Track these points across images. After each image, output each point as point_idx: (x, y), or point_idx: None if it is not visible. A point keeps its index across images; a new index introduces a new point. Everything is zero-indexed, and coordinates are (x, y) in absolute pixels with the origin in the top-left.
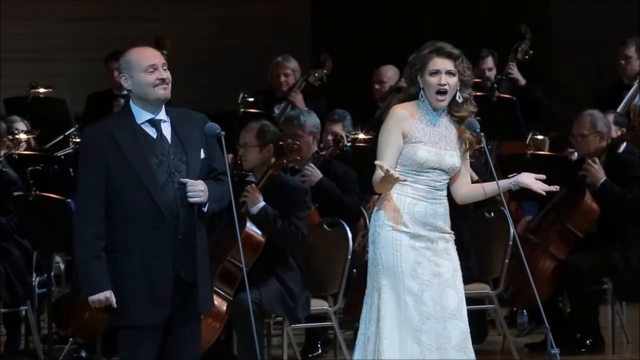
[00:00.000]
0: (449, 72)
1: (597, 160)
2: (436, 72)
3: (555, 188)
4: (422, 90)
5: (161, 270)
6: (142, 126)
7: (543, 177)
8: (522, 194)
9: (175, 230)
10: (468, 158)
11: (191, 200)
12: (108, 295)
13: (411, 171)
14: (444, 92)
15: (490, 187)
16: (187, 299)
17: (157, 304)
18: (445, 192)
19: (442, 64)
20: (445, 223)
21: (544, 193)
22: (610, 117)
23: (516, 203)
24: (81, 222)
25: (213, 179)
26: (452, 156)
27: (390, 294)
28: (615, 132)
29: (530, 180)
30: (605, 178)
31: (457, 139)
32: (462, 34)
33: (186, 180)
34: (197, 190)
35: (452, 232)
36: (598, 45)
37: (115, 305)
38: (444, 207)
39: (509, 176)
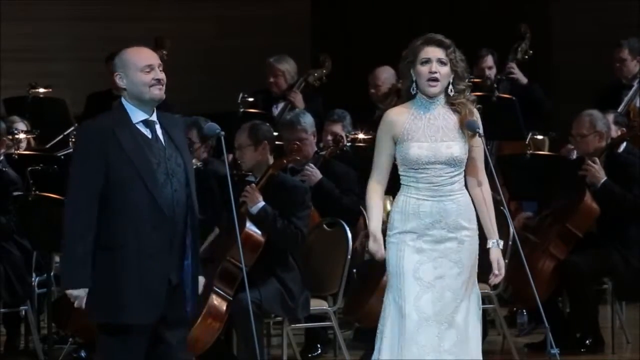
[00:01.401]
0: (439, 61)
1: (597, 160)
2: (427, 61)
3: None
4: (414, 83)
5: (157, 270)
6: (137, 126)
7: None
8: (522, 194)
9: (171, 230)
10: (480, 146)
11: None
12: (83, 294)
13: (410, 170)
14: (436, 80)
15: (483, 224)
16: (174, 301)
17: (150, 303)
18: (457, 186)
19: (432, 52)
20: (460, 218)
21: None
22: (610, 117)
23: (516, 203)
24: (73, 216)
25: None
26: (450, 147)
27: (394, 295)
28: (615, 132)
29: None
30: (605, 178)
31: (460, 127)
32: (462, 34)
33: None
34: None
35: (472, 228)
36: (598, 45)
37: (83, 307)
38: (455, 203)
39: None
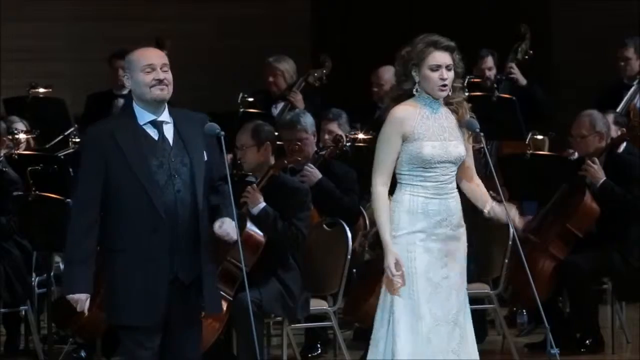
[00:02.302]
0: (448, 67)
1: (596, 160)
2: (437, 67)
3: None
4: (417, 84)
5: (157, 272)
6: (144, 127)
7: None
8: (522, 194)
9: (174, 232)
10: (471, 147)
11: (229, 240)
12: (84, 298)
13: (419, 168)
14: (445, 85)
15: (479, 199)
16: (187, 301)
17: (151, 305)
18: (454, 185)
19: (442, 58)
20: (458, 216)
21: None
22: (610, 117)
23: (516, 203)
24: (75, 221)
25: (214, 190)
26: (457, 146)
27: (404, 296)
28: (615, 132)
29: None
30: (604, 178)
31: (458, 127)
32: (462, 34)
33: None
34: (230, 232)
35: (464, 225)
36: (598, 45)
37: (87, 312)
38: (455, 201)
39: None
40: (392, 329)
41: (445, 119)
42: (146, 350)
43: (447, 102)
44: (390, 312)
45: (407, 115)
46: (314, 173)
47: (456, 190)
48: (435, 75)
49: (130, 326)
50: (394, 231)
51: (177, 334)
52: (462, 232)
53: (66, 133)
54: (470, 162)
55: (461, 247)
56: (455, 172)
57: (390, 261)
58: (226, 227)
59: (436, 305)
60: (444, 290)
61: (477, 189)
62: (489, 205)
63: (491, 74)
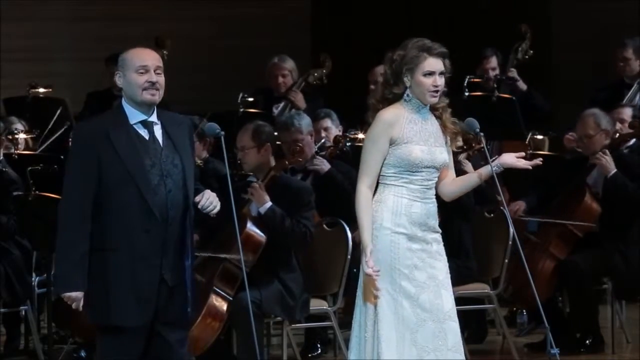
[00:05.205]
0: (441, 73)
1: (607, 152)
2: (431, 74)
3: (539, 161)
4: (408, 89)
5: (148, 272)
6: (135, 127)
7: (523, 154)
8: (522, 194)
9: (165, 232)
10: (452, 153)
11: (214, 211)
12: (80, 296)
13: (405, 172)
14: (437, 92)
15: (474, 177)
16: (173, 302)
17: (141, 305)
18: (434, 192)
19: (436, 65)
20: (435, 221)
21: (530, 167)
22: (629, 110)
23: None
24: (66, 219)
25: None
26: (442, 152)
27: (387, 296)
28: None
29: (512, 159)
30: (616, 170)
31: (442, 133)
32: (462, 33)
33: (198, 199)
34: (213, 200)
35: (440, 231)
36: (598, 45)
37: (81, 309)
38: (434, 206)
39: (490, 160)
40: (377, 329)
41: (431, 124)
42: (129, 354)
43: (433, 107)
44: (375, 313)
45: (396, 119)
46: (325, 163)
47: (435, 196)
48: (428, 82)
49: (118, 327)
50: (376, 230)
51: (164, 336)
52: (439, 236)
53: (60, 132)
54: (452, 168)
55: (441, 250)
56: (437, 178)
57: (369, 258)
58: (207, 196)
59: (422, 306)
60: (432, 289)
61: (462, 178)
62: (488, 166)
63: (494, 73)
